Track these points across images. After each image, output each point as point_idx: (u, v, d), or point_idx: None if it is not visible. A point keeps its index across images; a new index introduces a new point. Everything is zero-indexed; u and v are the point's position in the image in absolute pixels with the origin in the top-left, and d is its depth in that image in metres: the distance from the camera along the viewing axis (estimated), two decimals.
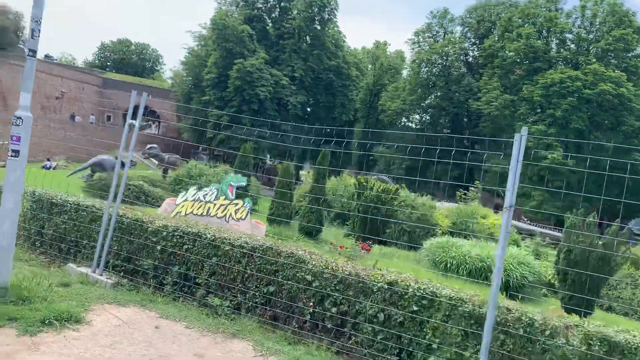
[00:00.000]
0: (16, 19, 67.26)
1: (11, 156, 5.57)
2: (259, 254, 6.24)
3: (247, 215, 12.64)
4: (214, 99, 44.58)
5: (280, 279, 6.07)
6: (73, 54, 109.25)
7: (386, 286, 5.53)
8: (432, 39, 51.88)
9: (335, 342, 5.67)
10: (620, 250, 12.22)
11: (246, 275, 6.28)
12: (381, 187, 22.15)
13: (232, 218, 11.82)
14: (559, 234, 33.06)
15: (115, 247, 7.07)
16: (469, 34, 51.58)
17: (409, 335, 5.36)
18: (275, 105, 45.17)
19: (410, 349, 5.36)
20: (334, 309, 5.74)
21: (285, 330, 5.89)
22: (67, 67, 56.95)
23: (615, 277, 14.70)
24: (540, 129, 39.80)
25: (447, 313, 5.23)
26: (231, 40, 43.83)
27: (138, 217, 7.09)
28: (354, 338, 5.63)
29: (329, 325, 5.75)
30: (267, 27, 49.57)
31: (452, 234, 20.06)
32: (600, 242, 13.57)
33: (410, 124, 54.43)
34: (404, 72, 58.07)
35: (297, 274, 5.97)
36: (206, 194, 13.14)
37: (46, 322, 5.19)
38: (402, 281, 5.52)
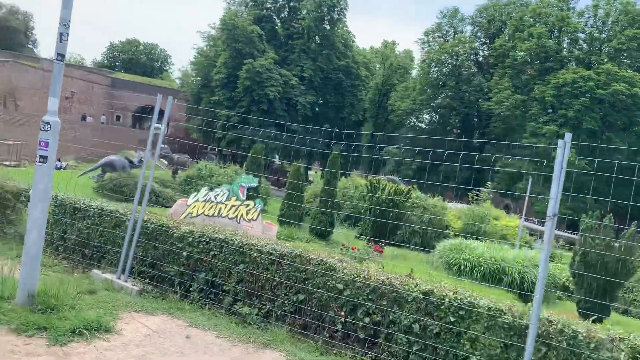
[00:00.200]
0: (25, 20, 67.73)
1: (39, 162, 5.48)
2: (287, 261, 6.12)
3: (258, 216, 12.55)
4: (223, 99, 44.56)
5: (310, 287, 5.95)
6: (82, 54, 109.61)
7: (421, 296, 5.40)
8: (442, 39, 51.55)
9: (368, 353, 5.55)
10: (637, 253, 12.03)
11: (275, 283, 6.16)
12: (393, 189, 22.04)
13: (244, 219, 11.72)
14: (572, 236, 32.80)
15: (140, 253, 6.97)
16: (479, 34, 51.19)
17: (445, 346, 5.23)
18: (284, 106, 45.10)
19: None
20: (366, 319, 5.61)
21: (316, 340, 5.77)
22: (76, 67, 57.14)
23: (631, 281, 14.52)
24: (552, 130, 39.48)
25: (485, 324, 5.09)
26: (241, 40, 43.78)
27: (163, 222, 6.99)
28: (387, 349, 5.50)
29: (361, 336, 5.62)
30: (276, 27, 49.50)
31: (464, 235, 19.89)
32: (617, 245, 13.36)
33: (420, 124, 54.16)
34: (413, 72, 57.81)
35: (328, 282, 5.85)
36: (217, 195, 13.07)
37: (76, 331, 5.10)
38: (438, 291, 5.39)
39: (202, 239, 6.65)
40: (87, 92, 49.90)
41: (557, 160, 4.74)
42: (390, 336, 5.49)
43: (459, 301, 5.24)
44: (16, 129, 38.58)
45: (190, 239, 6.71)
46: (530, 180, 28.40)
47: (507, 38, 46.11)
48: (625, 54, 41.63)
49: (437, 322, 5.27)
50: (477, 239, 18.93)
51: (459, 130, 50.01)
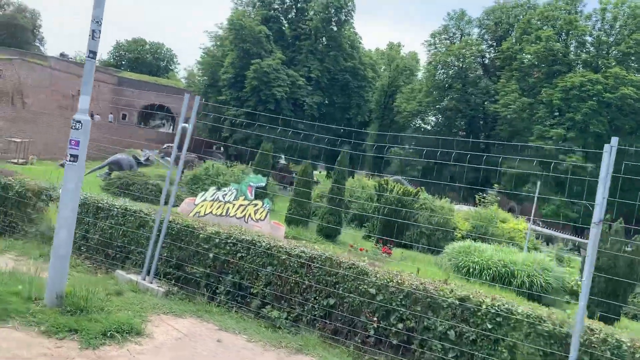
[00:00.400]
0: (32, 18, 67.80)
1: (70, 161, 5.39)
2: (317, 265, 6.03)
3: (266, 216, 12.46)
4: (230, 99, 44.51)
5: (341, 292, 5.86)
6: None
7: (457, 302, 5.30)
8: (448, 41, 51.45)
9: None
10: None
11: (304, 287, 6.07)
12: (401, 190, 21.95)
13: (252, 219, 11.66)
14: (581, 240, 32.63)
15: (165, 254, 6.89)
16: (486, 36, 51.08)
17: (482, 354, 5.14)
18: (291, 106, 45.03)
19: None
20: (400, 325, 5.52)
21: (348, 346, 5.68)
22: (83, 65, 57.16)
23: None
24: (559, 133, 39.36)
25: (524, 332, 4.99)
26: (248, 40, 43.73)
27: (189, 223, 6.91)
28: (422, 356, 5.40)
29: (394, 342, 5.53)
30: (284, 28, 49.43)
31: (471, 237, 19.81)
32: (629, 249, 13.23)
33: (425, 126, 54.05)
34: (419, 74, 57.72)
35: (360, 287, 5.76)
36: (225, 194, 12.99)
37: (107, 334, 5.01)
38: (474, 297, 5.29)
39: (229, 241, 6.57)
40: (94, 91, 49.89)
41: (603, 164, 4.65)
42: (425, 342, 5.39)
43: (496, 308, 5.14)
44: (23, 126, 38.56)
45: (217, 240, 6.62)
46: (539, 183, 28.26)
47: (514, 41, 46.00)
48: (633, 58, 41.49)
49: (473, 329, 5.18)
50: (484, 241, 18.86)
51: (464, 133, 49.90)
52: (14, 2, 64.29)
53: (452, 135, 48.41)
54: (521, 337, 4.99)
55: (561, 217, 37.68)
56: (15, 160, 33.60)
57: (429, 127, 53.53)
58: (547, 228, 33.72)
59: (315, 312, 5.96)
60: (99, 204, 7.58)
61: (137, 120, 55.53)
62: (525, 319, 5.00)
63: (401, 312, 5.54)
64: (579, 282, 16.80)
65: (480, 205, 26.79)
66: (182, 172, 30.46)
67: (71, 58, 66.56)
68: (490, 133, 48.36)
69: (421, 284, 5.58)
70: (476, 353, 5.16)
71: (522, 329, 5.00)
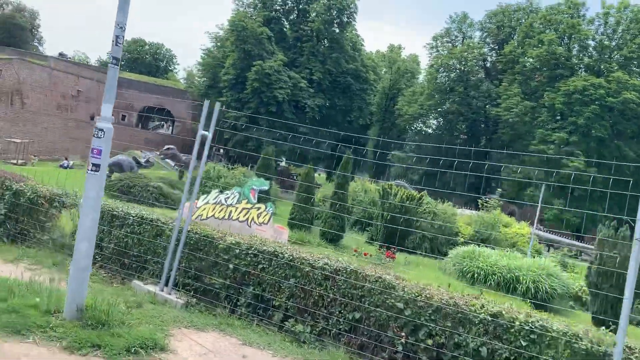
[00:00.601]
0: (31, 17, 67.54)
1: (91, 170, 5.24)
2: (342, 277, 5.89)
3: (269, 219, 12.32)
4: (231, 101, 44.33)
5: (367, 305, 5.71)
6: (86, 52, 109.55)
7: (489, 318, 5.16)
8: (450, 44, 51.43)
9: None
10: None
11: (328, 300, 5.93)
12: (405, 194, 21.81)
13: (255, 222, 11.51)
14: (585, 245, 32.56)
15: (183, 264, 6.73)
16: (488, 39, 51.08)
17: None
18: (292, 108, 44.90)
19: None
20: (429, 341, 5.38)
21: None
22: (83, 65, 56.91)
23: None
24: (562, 137, 39.34)
25: (560, 350, 4.86)
26: (250, 41, 43.59)
27: (208, 232, 6.76)
28: None
29: (423, 358, 5.39)
30: (285, 30, 49.33)
31: (474, 242, 19.71)
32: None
33: (426, 129, 53.99)
34: (420, 77, 57.69)
35: (387, 301, 5.62)
36: (228, 197, 12.84)
37: (131, 350, 4.86)
38: (507, 313, 5.15)
39: (250, 251, 6.41)
40: (94, 91, 49.64)
41: None
42: (455, 359, 5.25)
43: (530, 324, 5.00)
44: (23, 127, 38.36)
45: (237, 251, 6.47)
46: (542, 188, 28.17)
47: (516, 44, 46.00)
48: (635, 62, 41.54)
49: (506, 346, 5.04)
50: (486, 246, 18.75)
51: (465, 136, 49.86)
52: (12, 1, 64.05)
53: (453, 138, 48.39)
54: (557, 355, 4.85)
55: (564, 222, 37.65)
56: (15, 161, 33.37)
57: (430, 131, 53.49)
58: (548, 232, 33.65)
59: (340, 326, 5.81)
60: (114, 212, 7.41)
61: (136, 122, 55.29)
62: (561, 337, 4.87)
63: (430, 327, 5.40)
64: (584, 289, 16.71)
65: (483, 209, 26.71)
66: (181, 176, 30.15)
67: (70, 58, 66.31)
68: (492, 137, 48.34)
69: (451, 298, 5.44)
70: None
71: (558, 346, 4.86)
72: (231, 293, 6.44)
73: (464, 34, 51.74)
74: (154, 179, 25.36)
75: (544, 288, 14.40)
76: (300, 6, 48.92)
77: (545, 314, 5.44)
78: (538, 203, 24.49)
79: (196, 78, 57.00)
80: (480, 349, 5.14)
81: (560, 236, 33.88)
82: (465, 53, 47.35)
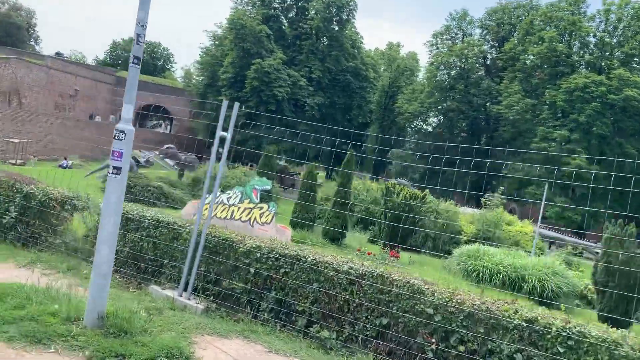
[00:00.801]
0: (28, 16, 67.07)
1: (113, 173, 5.07)
2: (368, 282, 5.73)
3: (272, 219, 12.18)
4: (230, 99, 44.00)
5: (394, 311, 5.55)
6: (83, 52, 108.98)
7: (524, 324, 5.02)
8: (450, 41, 51.27)
9: None
10: None
11: (354, 305, 5.77)
12: (408, 193, 21.67)
13: (257, 222, 11.34)
14: (589, 243, 32.52)
15: (202, 269, 6.56)
16: (488, 37, 50.95)
17: None
18: (292, 107, 44.68)
19: None
20: (461, 347, 5.23)
21: None
22: (81, 65, 56.54)
23: None
24: (563, 134, 39.26)
25: (599, 356, 4.71)
26: (249, 40, 43.33)
27: (227, 236, 6.58)
28: None
29: None
30: (284, 28, 49.07)
31: (477, 241, 19.61)
32: None
33: (427, 127, 53.85)
34: (420, 75, 57.53)
35: (416, 306, 5.46)
36: (230, 197, 12.71)
37: None
38: (542, 319, 5.01)
39: (272, 255, 6.25)
40: (92, 91, 49.35)
41: None
42: None
43: (567, 330, 4.86)
44: (21, 126, 38.00)
45: (258, 255, 6.31)
46: (546, 186, 28.06)
47: (516, 42, 45.89)
48: (636, 59, 41.48)
49: (542, 353, 4.90)
50: (491, 244, 18.64)
51: (465, 134, 49.73)
52: (8, 0, 63.56)
53: (454, 136, 48.26)
54: None
55: (566, 220, 37.59)
56: (14, 161, 33.05)
57: (429, 129, 53.36)
58: (551, 230, 33.57)
59: (367, 332, 5.65)
60: (129, 215, 7.22)
61: (134, 121, 55.01)
62: (600, 343, 4.72)
63: (462, 333, 5.24)
64: (590, 287, 16.61)
65: (485, 207, 26.60)
66: (181, 175, 29.89)
67: (67, 57, 65.87)
68: (493, 134, 48.23)
69: (483, 303, 5.29)
70: None
71: (597, 353, 4.72)
72: (252, 298, 6.27)
73: (463, 31, 51.58)
74: (154, 178, 25.17)
75: (549, 287, 14.32)
76: (299, 4, 48.67)
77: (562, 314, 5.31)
78: (540, 201, 24.42)
79: (194, 77, 56.70)
80: (515, 355, 4.99)
81: (562, 234, 33.85)
82: (466, 50, 47.18)
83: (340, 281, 5.85)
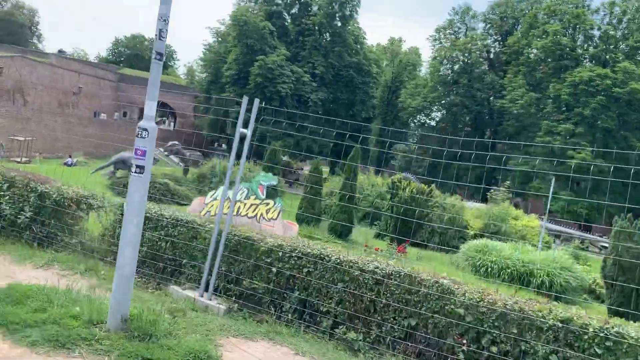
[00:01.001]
0: (30, 14, 66.87)
1: (136, 172, 4.94)
2: (395, 282, 5.60)
3: (278, 215, 12.08)
4: (234, 96, 43.93)
5: (423, 312, 5.43)
6: (85, 49, 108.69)
7: (559, 324, 4.89)
8: (453, 36, 51.00)
9: None
10: None
11: (381, 305, 5.64)
12: (415, 188, 21.54)
13: (264, 218, 11.28)
14: (596, 237, 32.37)
15: (223, 268, 6.44)
16: (491, 31, 50.67)
17: None
18: (295, 103, 44.53)
19: None
20: (493, 348, 5.10)
21: None
22: (84, 62, 56.39)
23: None
24: (568, 128, 39.06)
25: (639, 358, 4.59)
26: (252, 36, 43.15)
27: (248, 234, 6.46)
28: None
29: None
30: (287, 24, 48.85)
31: (484, 236, 19.49)
32: None
33: (430, 122, 53.64)
34: (422, 70, 57.30)
35: (446, 307, 5.33)
36: (235, 193, 12.60)
37: None
38: (578, 319, 4.88)
39: (294, 254, 6.12)
40: (95, 88, 49.20)
41: None
42: None
43: (605, 331, 4.73)
44: (25, 124, 37.93)
45: (280, 254, 6.18)
46: (553, 180, 27.88)
47: (520, 35, 45.62)
48: None
49: (579, 354, 4.77)
50: (499, 238, 18.52)
51: (469, 128, 49.52)
52: None
53: (457, 130, 48.06)
54: None
55: (571, 214, 37.43)
56: (19, 159, 32.96)
57: (433, 123, 53.15)
58: (559, 225, 33.44)
59: (395, 334, 5.53)
60: (147, 214, 7.06)
61: (139, 118, 54.88)
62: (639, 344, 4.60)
63: (494, 334, 5.12)
64: (598, 281, 16.48)
65: (491, 202, 26.46)
66: (186, 172, 29.72)
67: (69, 55, 65.71)
68: (497, 128, 48.04)
69: (515, 303, 5.16)
70: None
71: (636, 354, 4.59)
72: (275, 298, 6.15)
73: (466, 25, 51.30)
74: (159, 175, 25.06)
75: (558, 281, 14.21)
76: (302, 0, 48.43)
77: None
78: (545, 195, 24.23)
79: (197, 73, 56.53)
80: (550, 357, 4.87)
81: (567, 227, 33.73)
82: (469, 45, 46.94)
83: (366, 281, 5.73)
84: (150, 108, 4.99)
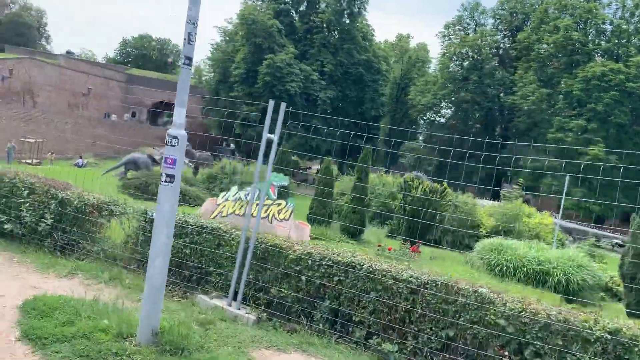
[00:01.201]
0: (38, 16, 67.06)
1: (166, 182, 4.78)
2: (431, 291, 5.42)
3: (290, 215, 11.95)
4: (242, 95, 43.80)
5: (462, 322, 5.24)
6: (92, 50, 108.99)
7: (607, 336, 4.69)
8: (462, 32, 50.60)
9: None
10: None
11: (417, 316, 5.46)
12: (428, 187, 21.30)
13: (275, 219, 11.13)
14: (610, 234, 31.97)
15: (251, 276, 6.28)
16: (500, 27, 50.22)
17: None
18: (304, 101, 44.31)
19: None
20: None
21: None
22: (93, 63, 56.47)
23: None
24: (580, 124, 38.63)
25: None
26: (260, 35, 42.94)
27: (276, 242, 6.29)
28: None
29: None
30: (294, 22, 48.61)
31: (498, 234, 19.25)
32: None
33: (440, 119, 53.29)
34: (431, 66, 56.96)
35: (485, 317, 5.14)
36: (247, 194, 12.49)
37: None
38: (628, 330, 4.68)
39: (324, 262, 5.95)
40: (104, 89, 49.24)
41: None
42: None
43: None
44: (35, 126, 37.99)
45: (309, 262, 6.01)
46: (567, 178, 27.53)
47: (530, 31, 45.16)
48: None
49: None
50: (509, 237, 18.27)
51: (480, 125, 49.14)
52: (19, 0, 63.54)
53: (468, 127, 47.71)
54: None
55: (584, 211, 37.04)
56: (30, 161, 33.01)
57: (443, 120, 52.80)
58: (573, 222, 33.05)
59: (432, 345, 5.35)
60: None
61: (147, 119, 54.93)
62: None
63: (537, 346, 4.93)
64: (615, 279, 16.19)
65: (503, 199, 26.18)
66: (195, 173, 29.60)
67: (77, 55, 65.82)
68: (508, 125, 47.65)
69: (559, 313, 4.97)
70: None
71: None
72: (305, 307, 5.99)
73: (476, 21, 50.88)
74: None
75: (575, 280, 13.96)
76: None
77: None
78: (556, 192, 23.92)
79: (204, 73, 56.43)
80: None
81: (580, 225, 33.34)
82: (479, 41, 46.54)
83: (400, 290, 5.55)
84: (180, 115, 4.83)
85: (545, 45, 43.63)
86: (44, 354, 4.52)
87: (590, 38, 42.88)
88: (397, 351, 5.38)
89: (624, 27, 41.30)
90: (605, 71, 38.02)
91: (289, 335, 5.68)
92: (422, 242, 17.25)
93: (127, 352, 4.65)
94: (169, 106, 55.14)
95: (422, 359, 5.32)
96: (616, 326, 4.73)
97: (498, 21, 50.17)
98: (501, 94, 46.66)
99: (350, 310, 5.78)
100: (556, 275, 14.12)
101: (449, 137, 41.73)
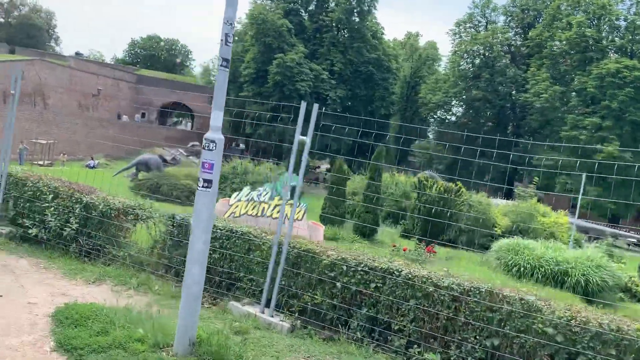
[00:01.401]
0: (47, 17, 67.36)
1: (203, 187, 4.63)
2: (474, 299, 5.23)
3: (303, 216, 11.83)
4: (252, 95, 43.70)
5: (507, 330, 5.05)
6: (101, 51, 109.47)
7: None
8: (473, 30, 50.17)
9: None
10: None
11: (459, 324, 5.28)
12: (442, 187, 21.11)
13: (288, 219, 10.95)
14: (626, 234, 31.56)
15: (283, 282, 6.12)
16: (512, 24, 49.75)
17: None
18: (314, 100, 44.13)
19: None
20: None
21: None
22: (102, 64, 56.61)
23: None
24: (594, 122, 38.16)
25: None
26: (270, 34, 42.82)
27: (309, 247, 6.13)
28: None
29: None
30: (304, 21, 48.43)
31: (512, 233, 19.00)
32: None
33: (450, 117, 52.88)
34: (441, 64, 56.57)
35: (532, 326, 4.95)
36: (260, 194, 12.41)
37: None
38: None
39: (359, 269, 5.78)
40: (114, 90, 49.32)
41: None
42: None
43: None
44: (46, 127, 38.07)
45: (344, 268, 5.84)
46: (584, 177, 27.17)
47: (542, 28, 44.68)
48: None
49: None
50: (525, 237, 18.01)
51: (492, 123, 48.72)
52: (29, 2, 63.85)
53: (479, 126, 47.32)
54: None
55: (600, 208, 36.60)
56: (41, 162, 33.08)
57: (454, 119, 52.41)
58: (590, 222, 32.64)
59: (476, 354, 5.16)
60: None
61: (156, 119, 55.00)
62: None
63: (589, 355, 4.73)
64: (634, 279, 15.92)
65: (518, 198, 25.90)
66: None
67: (86, 56, 66.03)
68: (520, 123, 47.20)
69: (611, 322, 4.76)
70: None
71: None
72: (340, 314, 5.82)
73: (487, 19, 50.42)
74: (182, 177, 24.90)
75: (594, 281, 13.71)
76: None
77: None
78: (570, 191, 23.59)
79: (213, 73, 56.40)
80: None
81: (596, 224, 32.95)
82: (490, 38, 46.11)
83: (442, 298, 5.37)
84: (217, 118, 4.67)
85: (557, 42, 43.13)
86: None
87: (604, 35, 42.32)
88: None
89: (639, 23, 40.75)
90: (620, 68, 37.53)
91: (326, 344, 5.52)
92: (437, 242, 17.07)
93: None
94: (178, 106, 55.24)
95: None
96: None
97: (510, 18, 49.69)
98: (513, 92, 46.20)
99: (389, 318, 5.61)
100: (575, 275, 13.92)
101: (460, 135, 41.48)
